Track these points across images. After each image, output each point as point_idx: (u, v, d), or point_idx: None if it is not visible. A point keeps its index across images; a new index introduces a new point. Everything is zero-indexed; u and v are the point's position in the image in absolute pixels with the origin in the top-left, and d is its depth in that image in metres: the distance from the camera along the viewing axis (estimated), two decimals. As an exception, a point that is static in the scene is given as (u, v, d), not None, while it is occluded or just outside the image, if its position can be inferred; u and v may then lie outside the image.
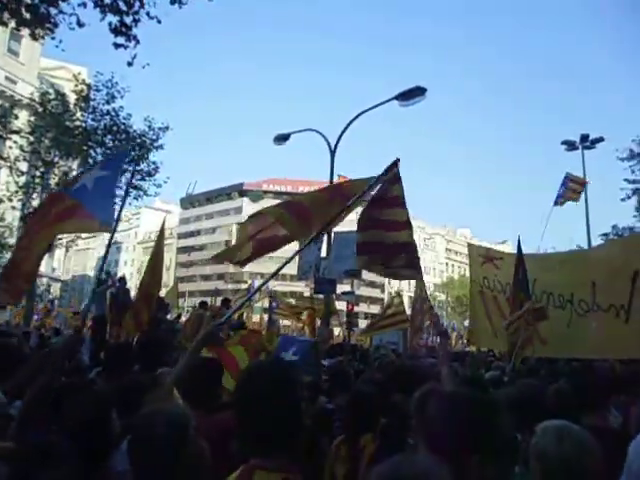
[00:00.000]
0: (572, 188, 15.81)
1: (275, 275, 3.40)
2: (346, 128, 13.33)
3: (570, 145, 22.59)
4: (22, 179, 20.89)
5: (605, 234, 22.66)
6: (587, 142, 22.15)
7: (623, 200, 21.94)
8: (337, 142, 13.35)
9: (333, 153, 13.33)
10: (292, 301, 18.83)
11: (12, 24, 9.20)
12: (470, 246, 8.31)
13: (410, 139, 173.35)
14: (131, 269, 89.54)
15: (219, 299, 21.13)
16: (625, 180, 21.76)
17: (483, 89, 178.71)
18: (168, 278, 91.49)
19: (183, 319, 15.13)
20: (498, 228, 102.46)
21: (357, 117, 13.39)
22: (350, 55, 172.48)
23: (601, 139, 22.17)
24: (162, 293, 12.55)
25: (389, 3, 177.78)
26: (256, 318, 26.45)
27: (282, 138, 14.36)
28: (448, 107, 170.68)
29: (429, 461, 1.31)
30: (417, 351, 9.66)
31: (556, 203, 15.29)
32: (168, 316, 13.61)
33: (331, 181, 14.05)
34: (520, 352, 5.55)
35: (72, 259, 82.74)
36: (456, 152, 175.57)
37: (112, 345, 6.16)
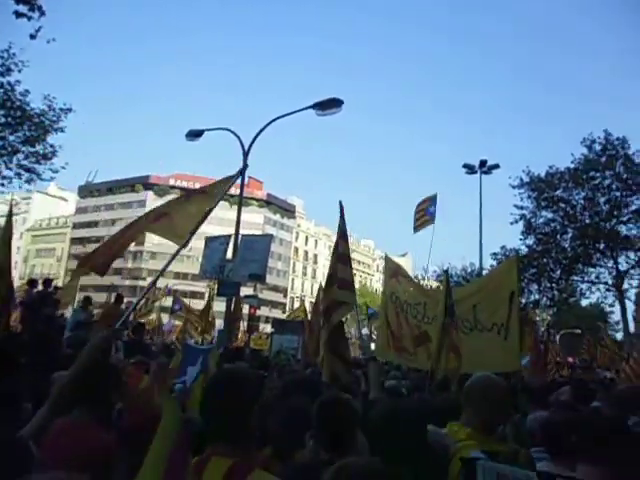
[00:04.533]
0: (422, 209, 15.92)
1: (163, 272, 3.42)
2: (261, 131, 13.27)
3: (470, 169, 24.25)
4: None
5: (495, 253, 24.48)
6: (485, 167, 23.90)
7: (512, 224, 23.88)
8: (251, 144, 13.24)
9: (246, 155, 13.20)
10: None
11: None
12: (387, 258, 8.54)
13: (323, 149, 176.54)
14: (17, 257, 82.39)
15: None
16: (514, 206, 23.68)
17: (394, 104, 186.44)
18: (59, 269, 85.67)
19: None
20: (400, 241, 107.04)
21: (273, 121, 13.38)
22: (272, 60, 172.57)
23: (497, 166, 24.03)
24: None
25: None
26: (152, 316, 25.43)
27: (195, 134, 13.99)
28: (359, 119, 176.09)
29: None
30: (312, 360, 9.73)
31: (415, 230, 15.48)
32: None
33: (242, 182, 13.90)
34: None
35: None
36: (364, 165, 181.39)
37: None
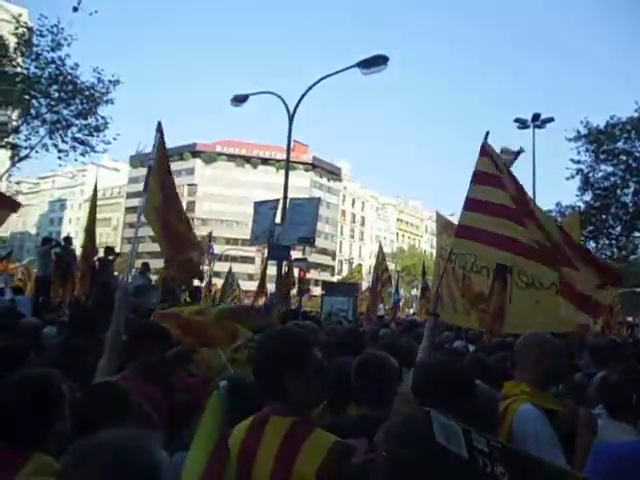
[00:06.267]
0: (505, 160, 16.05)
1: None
2: (305, 93, 13.10)
3: (522, 123, 23.21)
4: (-44, 128, 19.50)
5: (549, 211, 23.58)
6: (538, 121, 22.83)
7: (567, 179, 22.83)
8: (296, 107, 13.12)
9: (291, 118, 13.10)
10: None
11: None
12: (437, 215, 8.22)
13: (368, 108, 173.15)
14: (76, 227, 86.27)
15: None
16: (571, 160, 22.58)
17: (441, 60, 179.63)
18: (115, 238, 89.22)
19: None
20: (448, 201, 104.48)
21: (317, 83, 13.17)
22: (315, 21, 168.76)
23: (551, 119, 22.89)
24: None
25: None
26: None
27: (240, 99, 13.96)
28: (407, 76, 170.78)
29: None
30: (372, 320, 9.84)
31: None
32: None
33: (288, 146, 13.86)
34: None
35: (12, 215, 78.73)
36: (410, 124, 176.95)
37: (79, 308, 5.94)
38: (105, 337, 3.01)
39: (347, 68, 12.62)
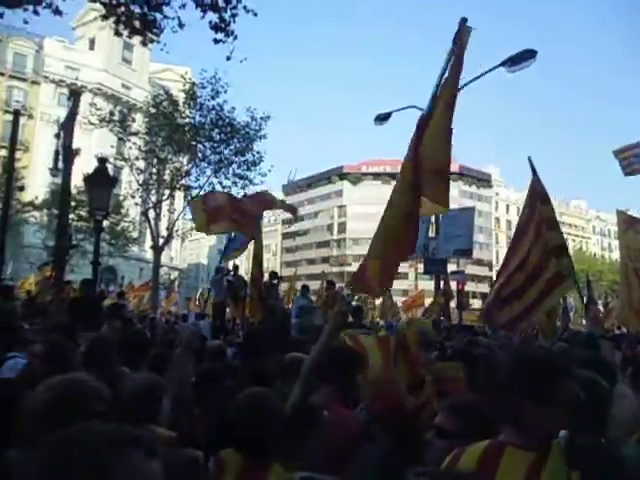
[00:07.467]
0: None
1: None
2: (448, 102, 12.79)
3: None
4: (141, 177, 22.64)
5: None
6: None
7: None
8: (440, 117, 12.86)
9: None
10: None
11: (125, 34, 9.88)
12: (618, 213, 7.28)
13: (511, 111, 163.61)
14: (241, 256, 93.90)
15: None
16: None
17: (584, 56, 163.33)
18: (275, 263, 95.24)
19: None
20: (616, 197, 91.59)
21: (460, 89, 12.79)
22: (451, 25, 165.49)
23: None
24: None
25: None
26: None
27: (383, 117, 14.03)
28: (551, 73, 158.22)
29: None
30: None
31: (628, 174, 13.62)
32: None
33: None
34: None
35: (187, 248, 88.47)
36: (561, 121, 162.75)
37: (253, 331, 6.44)
38: (294, 358, 3.21)
39: (492, 69, 12.02)
